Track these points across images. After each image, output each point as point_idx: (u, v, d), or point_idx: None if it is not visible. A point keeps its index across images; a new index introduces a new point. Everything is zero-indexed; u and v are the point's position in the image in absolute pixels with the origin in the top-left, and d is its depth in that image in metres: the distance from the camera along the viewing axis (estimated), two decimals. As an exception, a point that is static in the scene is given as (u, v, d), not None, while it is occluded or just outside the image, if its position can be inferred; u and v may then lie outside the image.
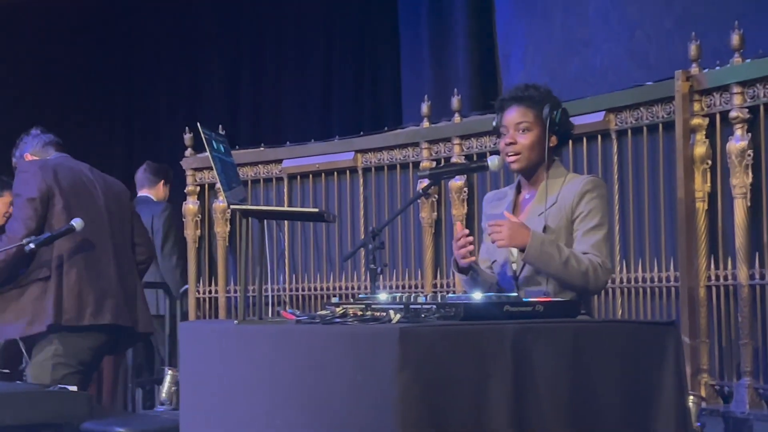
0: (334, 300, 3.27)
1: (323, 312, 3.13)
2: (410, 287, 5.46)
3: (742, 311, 4.16)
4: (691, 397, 3.97)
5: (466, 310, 2.84)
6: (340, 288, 5.67)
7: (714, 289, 4.32)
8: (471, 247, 3.31)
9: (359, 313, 3.01)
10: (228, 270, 6.01)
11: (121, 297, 4.55)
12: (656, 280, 4.53)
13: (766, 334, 4.12)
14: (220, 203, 5.98)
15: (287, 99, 8.07)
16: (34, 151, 4.75)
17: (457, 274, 3.45)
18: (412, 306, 2.93)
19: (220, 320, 3.61)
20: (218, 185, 5.89)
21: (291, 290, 5.85)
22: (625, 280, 4.62)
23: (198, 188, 6.07)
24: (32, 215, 4.41)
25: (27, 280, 4.42)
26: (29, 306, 4.40)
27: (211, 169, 5.93)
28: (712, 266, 4.32)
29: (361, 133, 5.78)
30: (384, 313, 2.91)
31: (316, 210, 3.26)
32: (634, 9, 5.13)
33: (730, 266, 4.26)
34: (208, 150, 3.22)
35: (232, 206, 3.21)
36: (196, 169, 6.06)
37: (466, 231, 3.33)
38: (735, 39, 4.23)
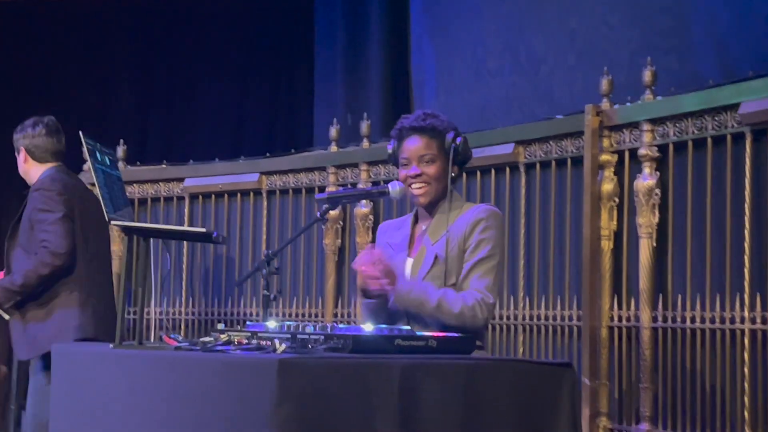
0: (220, 326, 3.09)
1: (206, 339, 2.97)
2: (310, 315, 5.31)
3: (643, 354, 4.07)
4: (589, 441, 3.87)
5: (355, 342, 2.71)
6: (239, 313, 5.49)
7: (616, 330, 4.22)
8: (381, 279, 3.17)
9: (244, 341, 2.86)
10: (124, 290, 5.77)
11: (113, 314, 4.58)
12: (559, 318, 4.42)
13: (667, 379, 4.03)
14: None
15: (200, 117, 7.87)
16: (30, 149, 4.64)
17: (362, 299, 3.29)
18: (299, 336, 2.79)
19: (95, 343, 3.42)
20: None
21: (188, 314, 5.65)
22: (527, 317, 4.51)
23: (95, 204, 5.84)
24: (70, 230, 4.39)
25: (50, 296, 4.40)
26: (55, 322, 4.38)
27: (111, 184, 5.78)
28: (615, 306, 4.23)
29: (268, 154, 5.62)
30: (269, 343, 2.76)
31: (204, 230, 3.08)
32: (540, 42, 5.08)
33: (633, 307, 4.17)
34: (90, 161, 3.03)
35: (113, 222, 3.02)
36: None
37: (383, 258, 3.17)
38: (647, 75, 4.16)
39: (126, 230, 3.04)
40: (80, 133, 3.06)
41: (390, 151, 3.41)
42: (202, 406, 2.67)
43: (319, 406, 2.48)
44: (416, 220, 3.41)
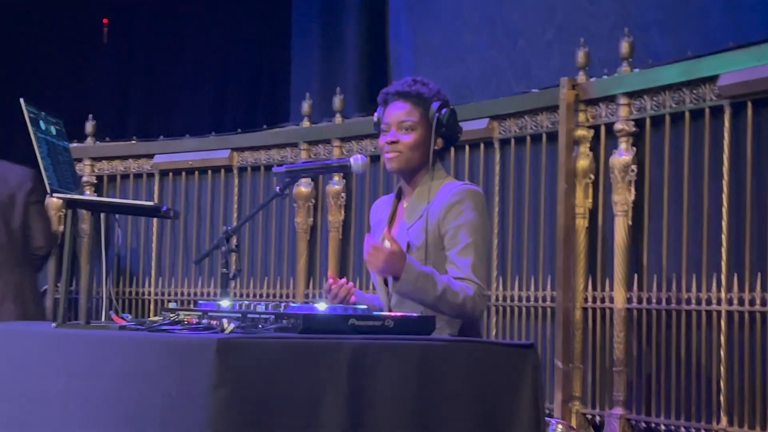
0: (172, 305, 2.95)
1: (155, 318, 2.85)
2: (282, 296, 5.16)
3: (617, 337, 3.93)
4: (560, 426, 3.75)
5: (306, 321, 2.58)
6: (209, 294, 5.34)
7: (590, 311, 4.08)
8: (350, 291, 3.03)
9: (194, 320, 2.72)
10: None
11: None
12: (533, 299, 4.28)
13: (642, 362, 3.89)
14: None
15: (180, 93, 7.72)
16: None
17: None
18: (249, 315, 2.65)
19: (38, 322, 3.29)
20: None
21: (157, 294, 5.50)
22: (500, 298, 4.37)
23: (62, 180, 5.68)
24: None
25: None
26: None
27: (79, 160, 5.61)
28: (590, 287, 4.08)
29: (239, 130, 5.46)
30: (219, 322, 2.63)
31: (152, 204, 2.93)
32: (518, 17, 4.94)
33: (607, 288, 4.02)
34: (31, 130, 2.88)
35: (55, 195, 2.87)
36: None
37: (339, 280, 3.05)
38: (624, 47, 4.00)
39: (69, 203, 2.88)
40: (21, 100, 2.90)
41: (375, 119, 3.21)
42: (141, 386, 2.54)
43: (261, 387, 2.35)
44: (399, 197, 3.25)
